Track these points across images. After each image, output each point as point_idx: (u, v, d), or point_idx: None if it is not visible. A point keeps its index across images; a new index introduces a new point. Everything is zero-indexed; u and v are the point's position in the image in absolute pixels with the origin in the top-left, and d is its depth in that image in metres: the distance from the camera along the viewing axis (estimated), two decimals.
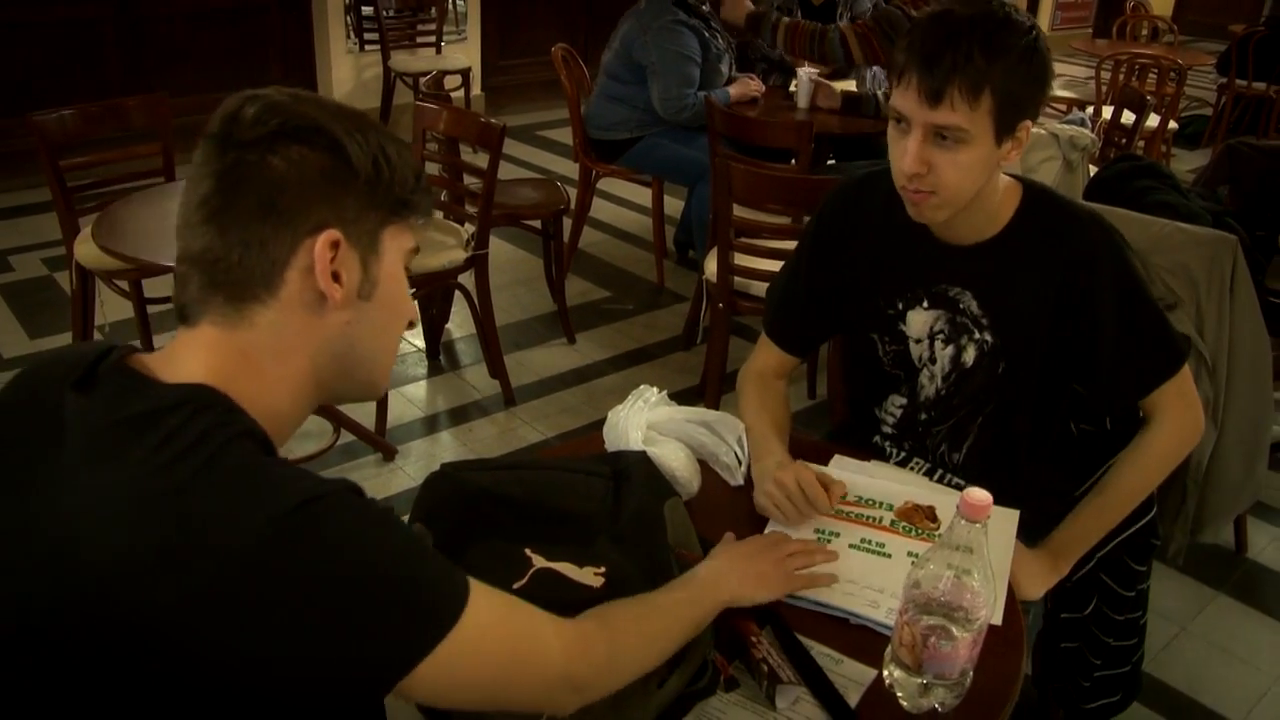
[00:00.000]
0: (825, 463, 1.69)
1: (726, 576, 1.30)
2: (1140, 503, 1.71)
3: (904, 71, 1.49)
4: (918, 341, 1.75)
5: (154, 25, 5.68)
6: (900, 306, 1.74)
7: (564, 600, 1.20)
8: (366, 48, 6.42)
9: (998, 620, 1.34)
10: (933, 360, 1.75)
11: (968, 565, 1.17)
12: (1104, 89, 5.86)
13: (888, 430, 1.86)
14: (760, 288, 3.11)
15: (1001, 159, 1.55)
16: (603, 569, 1.25)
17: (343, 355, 1.03)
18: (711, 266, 3.28)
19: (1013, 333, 1.68)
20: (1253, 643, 2.63)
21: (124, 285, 3.23)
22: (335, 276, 0.98)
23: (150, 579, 0.82)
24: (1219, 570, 2.87)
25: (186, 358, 0.97)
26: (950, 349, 1.73)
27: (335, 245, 0.97)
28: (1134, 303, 1.64)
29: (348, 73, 6.36)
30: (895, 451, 1.86)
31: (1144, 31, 8.34)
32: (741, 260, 3.12)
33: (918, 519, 1.52)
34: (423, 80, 6.15)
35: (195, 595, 0.81)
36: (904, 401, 1.82)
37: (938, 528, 1.50)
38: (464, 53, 6.80)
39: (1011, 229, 1.65)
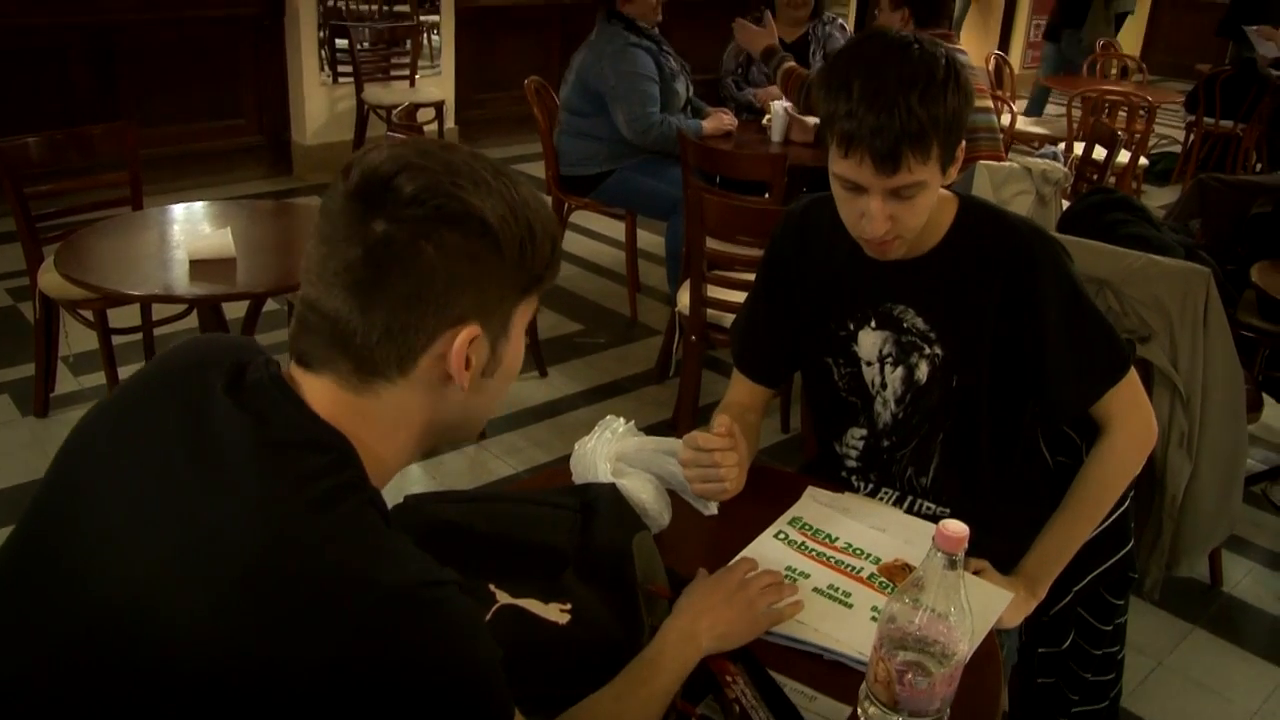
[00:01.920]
0: (798, 495, 1.67)
1: (695, 636, 1.27)
2: (1113, 520, 1.70)
3: (850, 146, 1.49)
4: (869, 364, 1.74)
5: (125, 54, 5.63)
6: (851, 327, 1.74)
7: (528, 639, 1.18)
8: (340, 80, 6.39)
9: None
10: (884, 386, 1.74)
11: (944, 599, 1.14)
12: (1075, 126, 5.90)
13: (852, 464, 1.84)
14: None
15: (946, 182, 1.58)
16: (569, 605, 1.21)
17: (454, 423, 1.07)
18: (684, 299, 3.26)
19: (960, 344, 1.68)
20: (1229, 676, 2.61)
21: (89, 315, 3.18)
22: (465, 361, 0.99)
23: (262, 614, 0.84)
24: (1195, 604, 2.86)
25: (313, 400, 0.98)
26: (900, 370, 1.72)
27: (472, 339, 0.98)
28: (1076, 308, 1.65)
29: (320, 105, 6.34)
30: (863, 485, 1.83)
31: (1114, 70, 8.44)
32: (714, 292, 3.10)
33: (900, 578, 1.46)
34: (394, 111, 6.14)
35: (300, 635, 0.84)
36: (864, 433, 1.80)
37: None
38: (438, 86, 6.79)
39: (949, 240, 1.66)
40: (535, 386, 3.94)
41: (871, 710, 1.20)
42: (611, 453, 1.61)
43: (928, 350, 1.69)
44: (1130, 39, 11.63)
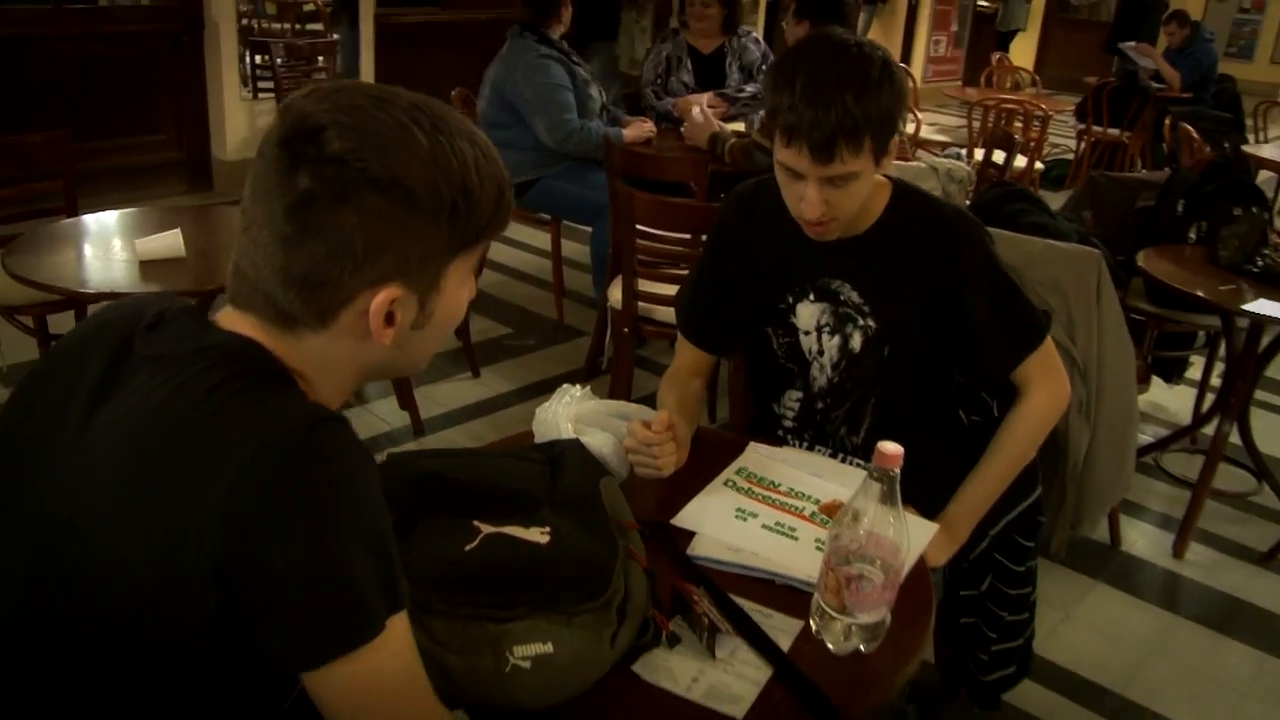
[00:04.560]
0: (739, 452, 1.81)
1: None
2: (1022, 469, 1.88)
3: (791, 137, 1.65)
4: (806, 333, 1.91)
5: (40, 68, 5.60)
6: (790, 300, 1.90)
7: (516, 555, 1.29)
8: (260, 95, 6.42)
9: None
10: (821, 352, 1.91)
11: (882, 514, 1.30)
12: (975, 135, 6.19)
13: (788, 424, 2.00)
14: (663, 313, 3.25)
15: (880, 172, 1.74)
16: (547, 528, 1.34)
17: (388, 367, 1.14)
18: (615, 294, 3.40)
19: (891, 317, 1.85)
20: (1128, 624, 2.86)
21: (28, 321, 3.18)
22: (390, 317, 1.03)
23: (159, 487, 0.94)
24: (1097, 562, 3.12)
25: (237, 330, 1.04)
26: (836, 339, 1.89)
27: (394, 299, 1.02)
28: (997, 284, 1.83)
29: (242, 121, 6.35)
30: (798, 444, 1.99)
31: (1009, 84, 8.83)
32: (644, 286, 3.25)
33: (837, 514, 1.63)
34: None
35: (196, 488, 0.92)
36: (799, 395, 1.97)
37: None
38: None
39: (883, 223, 1.83)
40: (469, 387, 4.04)
41: (823, 619, 1.35)
42: (572, 414, 1.74)
43: (861, 322, 1.86)
44: (1024, 54, 12.17)
